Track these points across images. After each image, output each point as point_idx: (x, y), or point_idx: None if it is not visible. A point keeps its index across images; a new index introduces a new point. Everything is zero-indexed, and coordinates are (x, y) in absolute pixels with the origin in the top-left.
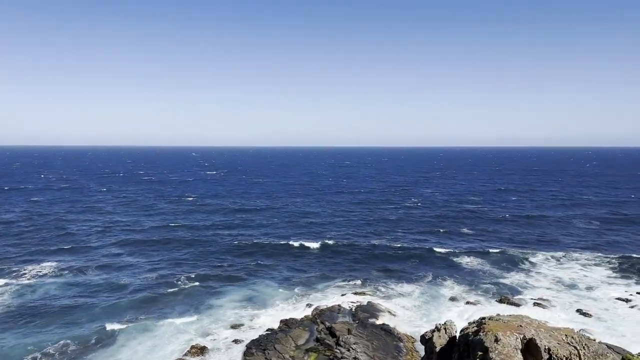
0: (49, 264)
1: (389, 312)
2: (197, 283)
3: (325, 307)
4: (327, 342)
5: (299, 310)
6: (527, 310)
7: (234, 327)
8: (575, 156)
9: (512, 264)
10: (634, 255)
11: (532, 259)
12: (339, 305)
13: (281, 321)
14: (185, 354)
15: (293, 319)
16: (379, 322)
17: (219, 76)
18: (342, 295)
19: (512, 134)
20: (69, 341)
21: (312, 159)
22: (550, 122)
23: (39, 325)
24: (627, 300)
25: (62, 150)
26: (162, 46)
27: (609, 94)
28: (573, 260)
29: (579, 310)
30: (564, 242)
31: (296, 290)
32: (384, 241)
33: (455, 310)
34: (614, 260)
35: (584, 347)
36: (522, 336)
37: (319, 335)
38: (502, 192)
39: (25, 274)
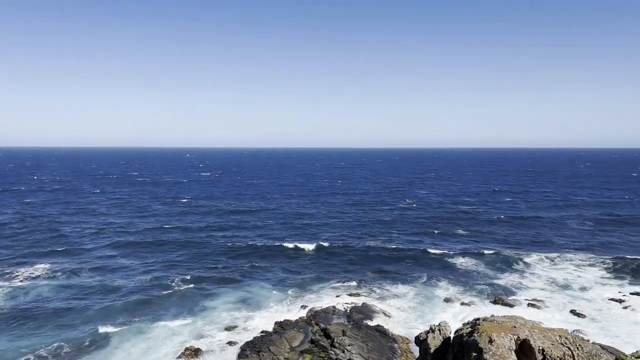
0: (42, 265)
1: (384, 313)
2: (191, 285)
3: (320, 308)
4: (322, 343)
5: (294, 312)
6: (521, 311)
7: (228, 329)
8: (569, 157)
9: (507, 264)
10: (628, 256)
11: (526, 260)
12: (333, 307)
13: (276, 323)
14: (179, 356)
15: (288, 320)
16: (373, 323)
17: (218, 76)
18: (337, 296)
19: (509, 134)
20: (62, 344)
21: (307, 161)
22: (547, 123)
23: (32, 328)
24: (620, 301)
25: (55, 152)
26: (162, 46)
27: (609, 94)
28: (567, 261)
29: (572, 311)
30: (558, 243)
31: (291, 291)
32: (379, 242)
33: (450, 311)
34: (607, 261)
35: (577, 348)
36: (516, 337)
37: (313, 337)
38: (497, 193)
39: (17, 276)
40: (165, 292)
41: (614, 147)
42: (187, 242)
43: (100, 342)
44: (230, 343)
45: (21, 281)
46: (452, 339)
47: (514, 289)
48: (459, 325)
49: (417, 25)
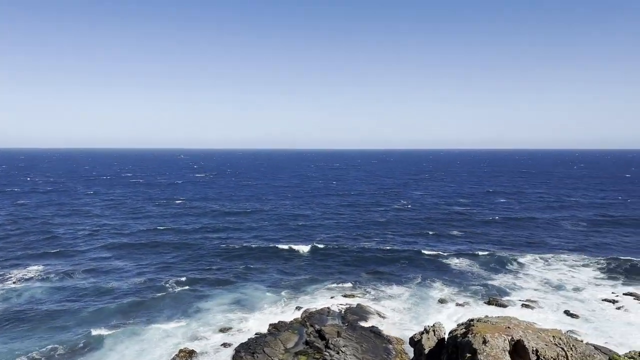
0: (35, 267)
1: (379, 314)
2: (185, 287)
3: (315, 310)
4: (317, 345)
5: (288, 313)
6: (516, 312)
7: (223, 330)
8: (563, 158)
9: (501, 265)
10: (621, 257)
11: (520, 261)
12: (328, 308)
13: (270, 324)
14: (174, 358)
15: (282, 322)
16: (368, 324)
17: (218, 76)
18: (332, 297)
19: (508, 135)
20: (55, 346)
21: (305, 162)
22: (546, 124)
23: (25, 330)
24: (613, 302)
25: (48, 153)
26: (162, 46)
27: (608, 94)
28: (561, 261)
29: (566, 312)
30: (552, 244)
31: (285, 293)
32: (374, 243)
33: (444, 312)
34: (601, 262)
35: (571, 348)
36: (510, 337)
37: (308, 338)
38: (491, 194)
39: (10, 277)
40: (159, 294)
41: (609, 149)
42: (181, 244)
43: (94, 344)
44: (224, 345)
45: (14, 283)
46: (446, 339)
47: (508, 290)
48: (453, 326)
49: (418, 25)
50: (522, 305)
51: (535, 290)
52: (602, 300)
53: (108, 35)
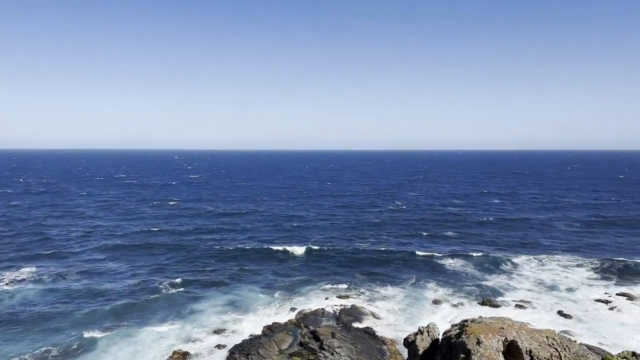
0: (28, 269)
1: (373, 315)
2: (179, 288)
3: (309, 311)
4: (311, 346)
5: (283, 315)
6: (509, 312)
7: (217, 332)
8: (557, 159)
9: (495, 266)
10: (614, 258)
11: (514, 261)
12: (322, 309)
13: (264, 326)
14: None
15: (277, 323)
16: (362, 325)
17: (218, 76)
18: (326, 298)
19: (506, 136)
20: (49, 348)
21: (297, 163)
22: (544, 125)
23: (17, 332)
24: (606, 302)
25: (42, 154)
26: (161, 46)
27: (599, 95)
28: (554, 262)
29: (560, 312)
30: (546, 245)
31: (280, 294)
32: (368, 244)
33: (439, 312)
34: (594, 262)
35: (564, 349)
36: (503, 338)
37: (302, 340)
38: (485, 195)
39: (3, 279)
40: (153, 296)
41: (602, 150)
42: (175, 245)
43: (87, 346)
44: (218, 346)
45: (6, 285)
46: (440, 340)
47: (501, 290)
48: (447, 326)
49: (417, 25)
50: (516, 305)
51: (529, 290)
52: (596, 300)
53: (107, 36)
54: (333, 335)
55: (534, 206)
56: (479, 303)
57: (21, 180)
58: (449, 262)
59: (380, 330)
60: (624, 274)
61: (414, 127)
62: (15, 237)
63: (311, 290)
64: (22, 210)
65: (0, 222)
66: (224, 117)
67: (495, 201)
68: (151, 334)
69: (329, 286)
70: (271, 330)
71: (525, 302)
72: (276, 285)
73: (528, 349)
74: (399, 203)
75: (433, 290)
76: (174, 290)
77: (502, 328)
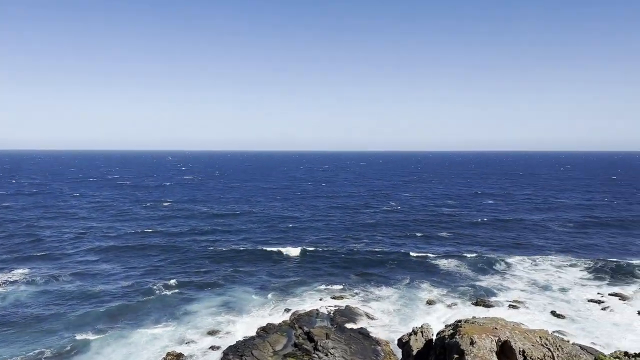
0: (20, 271)
1: (367, 316)
2: (173, 290)
3: (304, 311)
4: (305, 347)
5: (277, 316)
6: (503, 312)
7: (211, 333)
8: (550, 160)
9: (488, 266)
10: (607, 258)
11: (508, 262)
12: (317, 310)
13: (259, 327)
14: None
15: (271, 324)
16: (357, 326)
17: (216, 76)
18: (321, 299)
19: (504, 136)
20: (42, 350)
21: (291, 163)
22: (542, 125)
23: (10, 334)
24: (599, 302)
25: (34, 155)
26: (160, 46)
27: (608, 94)
28: (547, 262)
29: (553, 312)
30: (539, 245)
31: (274, 295)
32: (363, 245)
33: (433, 313)
34: (587, 263)
35: (557, 349)
36: (497, 338)
37: (297, 341)
38: (479, 196)
39: None
40: (147, 297)
41: (594, 151)
42: (169, 246)
43: (81, 347)
44: (212, 348)
45: None
46: (434, 341)
47: (495, 291)
48: (441, 327)
49: (417, 25)
50: (510, 306)
51: (522, 291)
52: (589, 300)
53: (106, 35)
54: (327, 336)
55: (527, 207)
56: (472, 303)
57: (13, 181)
58: (443, 263)
59: (375, 331)
60: (616, 274)
61: (412, 127)
62: (8, 239)
63: (305, 291)
64: (14, 212)
65: None
66: (222, 118)
67: (489, 202)
68: (145, 335)
69: (323, 287)
70: (265, 331)
71: (519, 302)
72: (270, 286)
73: (521, 349)
74: (394, 204)
75: (427, 291)
76: (167, 292)
77: (496, 328)
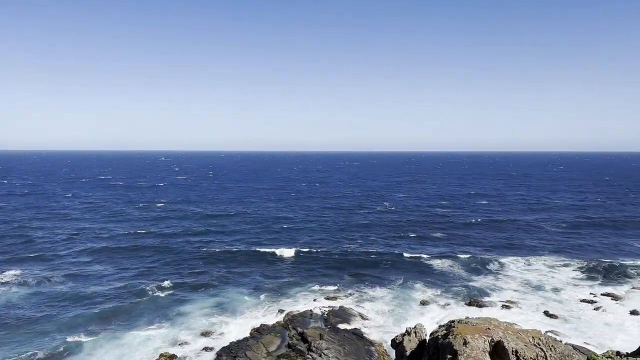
0: (12, 272)
1: (361, 316)
2: (166, 291)
3: (297, 312)
4: (299, 347)
5: (271, 317)
6: (496, 312)
7: (204, 334)
8: (544, 160)
9: (482, 266)
10: (599, 258)
11: (501, 262)
12: (311, 311)
13: (252, 328)
14: None
15: (264, 325)
16: (351, 326)
17: (216, 76)
18: (315, 300)
19: (502, 137)
20: (35, 351)
21: (285, 164)
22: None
23: (2, 336)
24: (592, 302)
25: (26, 155)
26: (160, 45)
27: (609, 94)
28: (540, 262)
29: (546, 312)
30: (532, 245)
31: (268, 296)
32: (357, 246)
33: (426, 313)
34: (579, 263)
35: (550, 349)
36: (490, 339)
37: (290, 341)
38: (472, 197)
39: None
40: (140, 299)
41: (587, 151)
42: (162, 247)
43: (73, 349)
44: (206, 349)
45: None
46: (427, 341)
47: (488, 291)
48: (435, 327)
49: (416, 25)
50: (503, 306)
51: (515, 291)
52: (581, 300)
53: (107, 35)
54: (321, 337)
55: (520, 207)
56: (466, 304)
57: (5, 182)
58: (437, 263)
59: (369, 332)
60: (609, 274)
61: (410, 127)
62: None
63: (299, 292)
64: (6, 212)
65: None
66: (222, 118)
67: (483, 202)
68: (138, 337)
69: (317, 288)
70: (259, 332)
71: (512, 302)
72: (264, 287)
73: (514, 349)
74: (387, 204)
75: (421, 291)
76: (160, 293)
77: (489, 328)
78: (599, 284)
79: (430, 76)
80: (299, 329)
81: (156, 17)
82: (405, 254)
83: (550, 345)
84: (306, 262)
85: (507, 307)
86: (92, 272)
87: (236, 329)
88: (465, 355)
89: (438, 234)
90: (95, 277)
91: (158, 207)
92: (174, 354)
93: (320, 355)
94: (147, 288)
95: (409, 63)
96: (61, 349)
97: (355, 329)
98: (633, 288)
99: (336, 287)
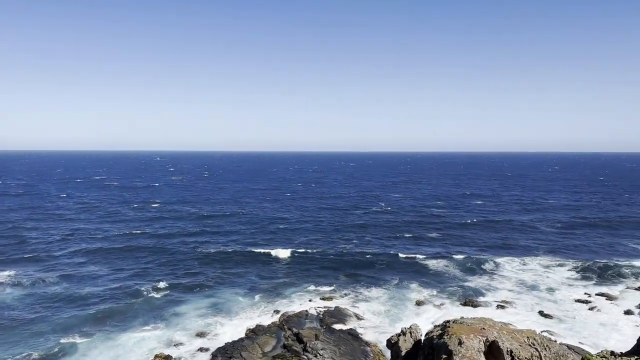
0: (6, 273)
1: (357, 316)
2: (161, 292)
3: (293, 313)
4: (295, 348)
5: (266, 317)
6: (491, 312)
7: (200, 335)
8: (537, 161)
9: (477, 267)
10: (594, 258)
11: (496, 262)
12: (306, 311)
13: (248, 328)
14: None
15: (260, 325)
16: (346, 327)
17: (216, 76)
18: (310, 301)
19: (501, 137)
20: (29, 352)
21: (280, 164)
22: (539, 126)
23: None
24: (586, 302)
25: (19, 155)
26: (160, 45)
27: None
28: (535, 262)
29: (540, 312)
30: (527, 246)
31: (263, 297)
32: (352, 246)
33: (422, 313)
34: (574, 263)
35: (545, 349)
36: (485, 339)
37: (286, 342)
38: (468, 197)
39: None
40: (135, 299)
41: (581, 152)
42: (157, 248)
43: (68, 350)
44: (201, 349)
45: None
46: (422, 341)
47: (483, 291)
48: (430, 327)
49: (416, 24)
50: (498, 306)
51: (510, 291)
52: (576, 300)
53: (106, 35)
54: (317, 337)
55: (516, 208)
56: (461, 304)
57: None
58: (432, 263)
59: (364, 332)
60: (603, 274)
61: (409, 128)
62: None
63: (295, 292)
64: (0, 213)
65: None
66: (221, 118)
67: (478, 202)
68: (132, 338)
69: (312, 288)
70: (254, 333)
71: (507, 302)
72: (260, 287)
73: (509, 349)
74: (383, 205)
75: (416, 292)
76: (156, 294)
77: (484, 328)
78: (594, 284)
79: (429, 76)
80: (295, 330)
81: (156, 15)
82: (401, 254)
83: (545, 345)
84: (302, 263)
85: (502, 307)
86: (86, 272)
87: (231, 329)
88: (460, 355)
89: (433, 234)
90: (90, 278)
91: (153, 208)
92: (169, 355)
93: (315, 356)
94: (142, 289)
95: (407, 63)
96: (55, 350)
97: (350, 329)
98: (627, 288)
99: (332, 288)
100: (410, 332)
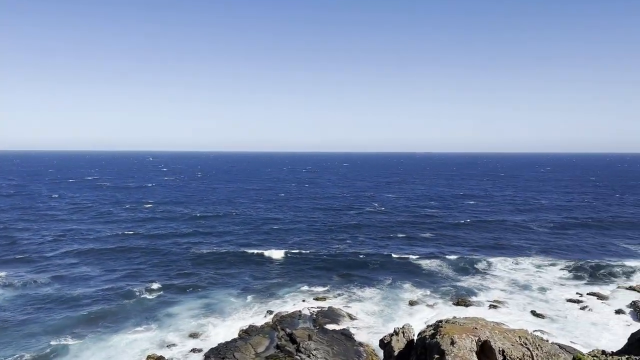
0: None
1: (350, 316)
2: (154, 292)
3: (286, 313)
4: (288, 348)
5: (259, 318)
6: (484, 312)
7: (193, 336)
8: (531, 162)
9: (470, 267)
10: (586, 258)
11: (489, 262)
12: (299, 312)
13: (241, 329)
14: None
15: (253, 326)
16: (339, 327)
17: (216, 76)
18: (303, 301)
19: (501, 137)
20: (21, 353)
21: (274, 165)
22: (536, 126)
23: None
24: (578, 302)
25: (13, 155)
26: (159, 45)
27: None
28: (528, 262)
29: (533, 312)
30: (520, 246)
31: (256, 297)
32: (346, 247)
33: (415, 313)
34: (566, 263)
35: (537, 348)
36: (477, 338)
37: (279, 342)
38: (461, 197)
39: None
40: (127, 300)
41: (575, 152)
42: (150, 249)
43: (60, 351)
44: (194, 350)
45: None
46: (415, 341)
47: (476, 290)
48: (423, 327)
49: (415, 24)
50: (490, 305)
51: (503, 290)
52: (568, 300)
53: (106, 35)
54: (310, 338)
55: (508, 208)
56: (454, 303)
57: None
58: (425, 263)
59: (357, 332)
60: (595, 273)
61: (408, 128)
62: None
63: (288, 292)
64: None
65: None
66: (221, 118)
67: (471, 203)
68: (125, 339)
69: (306, 288)
70: (247, 333)
71: (499, 302)
72: (253, 288)
73: (501, 349)
74: (377, 205)
75: (409, 291)
76: (148, 295)
77: (476, 328)
78: (585, 284)
79: (429, 76)
80: (288, 330)
81: (155, 14)
82: (394, 255)
83: (537, 344)
84: (295, 263)
85: (494, 306)
86: (78, 273)
87: (224, 330)
88: (452, 355)
89: (427, 235)
90: (82, 279)
91: (146, 208)
92: (161, 356)
93: (308, 356)
94: (135, 290)
95: (406, 63)
96: (47, 351)
97: (344, 329)
98: (618, 287)
99: (325, 288)
100: (403, 332)
